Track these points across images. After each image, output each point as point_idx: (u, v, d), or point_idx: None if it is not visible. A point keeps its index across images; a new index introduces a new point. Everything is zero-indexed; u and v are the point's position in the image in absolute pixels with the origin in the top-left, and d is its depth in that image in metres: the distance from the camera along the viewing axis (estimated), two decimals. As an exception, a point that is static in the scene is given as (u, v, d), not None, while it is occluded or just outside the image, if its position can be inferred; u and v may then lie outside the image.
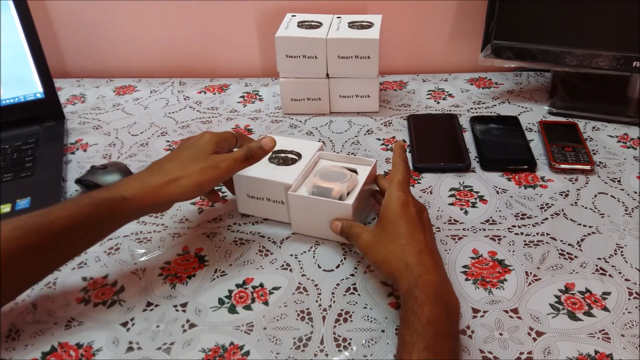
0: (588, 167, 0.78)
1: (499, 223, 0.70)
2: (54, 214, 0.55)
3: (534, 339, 0.55)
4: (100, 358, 0.56)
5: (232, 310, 0.60)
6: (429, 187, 0.77)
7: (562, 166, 0.78)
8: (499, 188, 0.76)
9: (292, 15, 0.95)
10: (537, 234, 0.68)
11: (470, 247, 0.67)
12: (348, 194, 0.66)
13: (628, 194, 0.74)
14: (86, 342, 0.57)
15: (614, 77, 0.96)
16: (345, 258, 0.66)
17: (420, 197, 0.75)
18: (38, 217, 0.55)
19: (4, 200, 0.74)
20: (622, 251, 0.65)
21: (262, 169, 0.70)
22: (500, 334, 0.56)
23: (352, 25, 0.91)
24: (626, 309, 0.58)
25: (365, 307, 0.60)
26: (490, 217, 0.71)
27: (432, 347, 0.48)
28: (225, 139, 0.66)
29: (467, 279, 0.62)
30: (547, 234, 0.68)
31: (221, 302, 0.61)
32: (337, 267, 0.65)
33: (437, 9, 1.03)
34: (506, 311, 0.59)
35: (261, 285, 0.63)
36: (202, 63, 1.11)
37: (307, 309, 0.60)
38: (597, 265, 0.64)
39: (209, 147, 0.63)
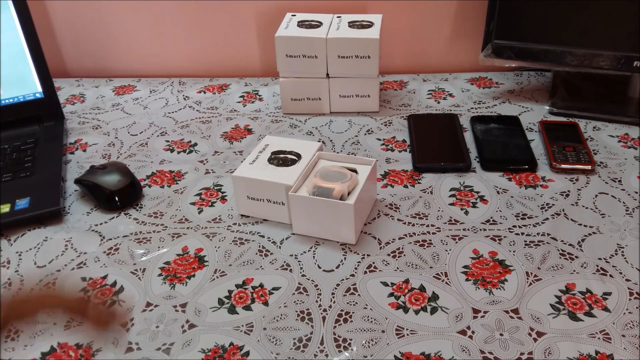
0: (589, 167, 0.77)
1: (500, 223, 0.70)
2: None
3: (535, 340, 0.55)
4: (99, 358, 0.56)
5: (232, 310, 0.60)
6: (429, 187, 0.77)
7: (563, 166, 0.78)
8: (500, 188, 0.76)
9: (292, 15, 0.94)
10: (538, 234, 0.68)
11: (471, 247, 0.67)
12: (349, 194, 0.66)
13: (629, 194, 0.74)
14: (86, 342, 0.57)
15: (615, 77, 0.96)
16: (345, 258, 0.66)
17: (420, 197, 0.75)
18: None
19: (3, 201, 0.74)
20: (622, 251, 0.65)
21: (261, 170, 0.70)
22: (501, 335, 0.56)
23: (352, 24, 0.90)
24: (627, 310, 0.58)
25: (365, 307, 0.60)
26: (491, 217, 0.71)
27: None
28: None
29: (467, 279, 0.62)
30: (548, 234, 0.68)
31: (221, 302, 0.61)
32: (337, 267, 0.65)
33: (437, 8, 1.03)
34: (507, 311, 0.58)
35: (261, 285, 0.63)
36: (202, 63, 1.11)
37: (307, 309, 0.60)
38: (597, 266, 0.63)
39: None
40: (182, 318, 0.59)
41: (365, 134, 0.89)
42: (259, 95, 1.02)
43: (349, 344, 0.56)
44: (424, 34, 1.06)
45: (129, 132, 0.93)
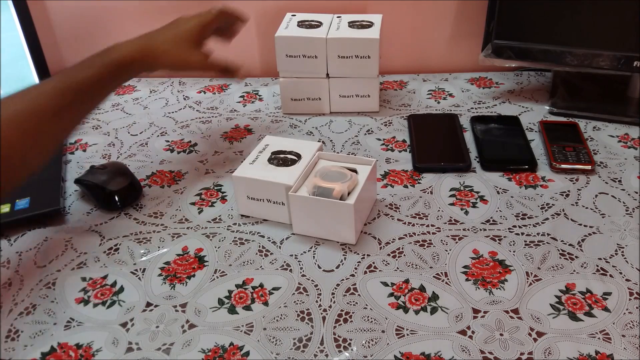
0: (589, 167, 0.77)
1: (500, 223, 0.70)
2: (81, 76, 0.65)
3: (535, 340, 0.55)
4: (99, 358, 0.56)
5: (232, 310, 0.60)
6: (429, 187, 0.77)
7: (563, 166, 0.78)
8: (500, 188, 0.76)
9: (292, 15, 0.94)
10: (538, 234, 0.68)
11: (471, 247, 0.67)
12: (349, 194, 0.66)
13: (629, 194, 0.74)
14: (86, 342, 0.57)
15: (615, 77, 0.96)
16: (345, 258, 0.66)
17: (420, 197, 0.75)
18: (68, 77, 0.64)
19: (3, 200, 0.74)
20: (622, 251, 0.65)
21: (261, 170, 0.70)
22: (501, 335, 0.56)
23: (352, 24, 0.90)
24: (627, 310, 0.58)
25: (365, 307, 0.60)
26: (491, 217, 0.71)
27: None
28: (208, 25, 0.80)
29: (467, 279, 0.62)
30: (548, 234, 0.68)
31: (221, 302, 0.61)
32: (337, 267, 0.65)
33: (437, 8, 1.03)
34: (507, 311, 0.58)
35: (261, 285, 0.63)
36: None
37: (307, 309, 0.60)
38: (597, 266, 0.63)
39: (193, 37, 0.78)
40: (182, 318, 0.59)
41: (365, 134, 0.89)
42: (259, 95, 1.02)
43: (349, 344, 0.56)
44: (424, 34, 1.06)
45: (129, 132, 0.93)
